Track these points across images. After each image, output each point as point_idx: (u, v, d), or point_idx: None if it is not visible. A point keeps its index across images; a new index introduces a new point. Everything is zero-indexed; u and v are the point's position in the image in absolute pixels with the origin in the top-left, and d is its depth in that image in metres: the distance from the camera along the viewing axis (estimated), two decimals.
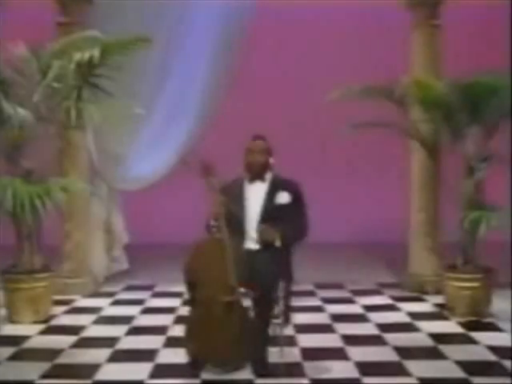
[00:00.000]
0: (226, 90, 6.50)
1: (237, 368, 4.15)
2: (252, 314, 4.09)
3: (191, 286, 4.14)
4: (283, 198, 4.30)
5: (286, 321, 4.27)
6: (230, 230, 4.10)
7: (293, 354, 4.46)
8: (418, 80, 5.46)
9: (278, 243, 4.12)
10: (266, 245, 4.17)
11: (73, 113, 5.12)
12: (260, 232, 4.17)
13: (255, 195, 4.33)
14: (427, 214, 6.10)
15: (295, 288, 4.40)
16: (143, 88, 6.25)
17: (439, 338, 4.83)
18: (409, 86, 5.40)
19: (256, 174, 4.35)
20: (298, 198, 4.34)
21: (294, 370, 4.21)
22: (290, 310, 4.32)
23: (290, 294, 4.24)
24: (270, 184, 4.35)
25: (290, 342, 4.63)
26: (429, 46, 6.03)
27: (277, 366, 4.15)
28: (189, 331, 4.16)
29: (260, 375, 4.09)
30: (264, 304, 4.05)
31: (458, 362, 4.34)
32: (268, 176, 4.37)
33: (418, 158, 6.10)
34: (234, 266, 4.03)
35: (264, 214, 4.27)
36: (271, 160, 4.36)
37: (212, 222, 4.20)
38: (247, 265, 4.08)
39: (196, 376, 4.11)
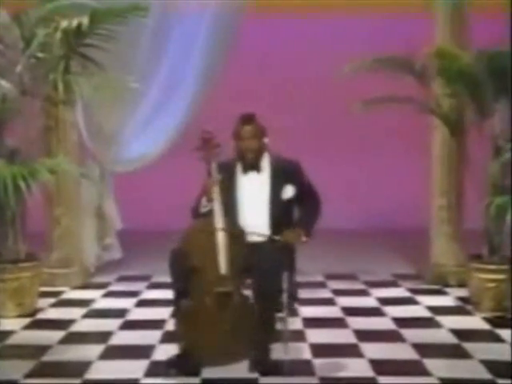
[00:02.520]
0: (225, 65, 6.43)
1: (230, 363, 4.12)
2: (253, 306, 4.05)
3: (189, 273, 4.04)
4: (289, 192, 4.25)
5: (291, 314, 4.22)
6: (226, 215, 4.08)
7: (301, 351, 4.43)
8: (442, 49, 5.37)
9: (304, 239, 4.11)
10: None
11: (60, 86, 5.09)
12: (284, 236, 4.10)
13: (252, 189, 4.24)
14: (450, 199, 6.05)
15: (304, 279, 4.37)
16: (138, 60, 6.18)
17: (462, 334, 4.79)
18: (431, 56, 5.32)
19: (250, 164, 4.25)
20: (301, 179, 4.28)
21: (302, 367, 4.18)
22: (294, 301, 4.28)
23: (294, 284, 4.19)
24: (272, 175, 4.25)
25: (299, 337, 4.60)
26: (454, 15, 5.90)
27: (282, 363, 4.11)
28: (181, 325, 4.11)
29: (261, 373, 4.03)
30: (266, 296, 4.00)
31: (482, 361, 4.30)
32: (265, 163, 4.27)
33: (439, 137, 6.02)
34: (229, 254, 4.00)
35: (273, 211, 4.21)
36: (265, 140, 4.25)
37: (204, 204, 4.15)
38: (250, 257, 4.04)
39: (190, 374, 4.06)
